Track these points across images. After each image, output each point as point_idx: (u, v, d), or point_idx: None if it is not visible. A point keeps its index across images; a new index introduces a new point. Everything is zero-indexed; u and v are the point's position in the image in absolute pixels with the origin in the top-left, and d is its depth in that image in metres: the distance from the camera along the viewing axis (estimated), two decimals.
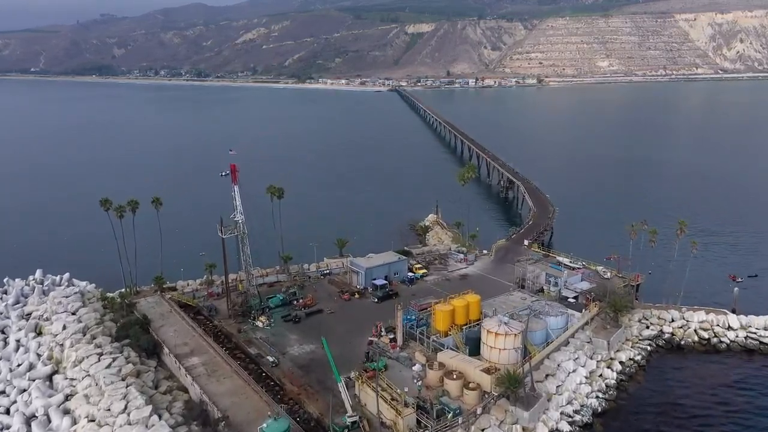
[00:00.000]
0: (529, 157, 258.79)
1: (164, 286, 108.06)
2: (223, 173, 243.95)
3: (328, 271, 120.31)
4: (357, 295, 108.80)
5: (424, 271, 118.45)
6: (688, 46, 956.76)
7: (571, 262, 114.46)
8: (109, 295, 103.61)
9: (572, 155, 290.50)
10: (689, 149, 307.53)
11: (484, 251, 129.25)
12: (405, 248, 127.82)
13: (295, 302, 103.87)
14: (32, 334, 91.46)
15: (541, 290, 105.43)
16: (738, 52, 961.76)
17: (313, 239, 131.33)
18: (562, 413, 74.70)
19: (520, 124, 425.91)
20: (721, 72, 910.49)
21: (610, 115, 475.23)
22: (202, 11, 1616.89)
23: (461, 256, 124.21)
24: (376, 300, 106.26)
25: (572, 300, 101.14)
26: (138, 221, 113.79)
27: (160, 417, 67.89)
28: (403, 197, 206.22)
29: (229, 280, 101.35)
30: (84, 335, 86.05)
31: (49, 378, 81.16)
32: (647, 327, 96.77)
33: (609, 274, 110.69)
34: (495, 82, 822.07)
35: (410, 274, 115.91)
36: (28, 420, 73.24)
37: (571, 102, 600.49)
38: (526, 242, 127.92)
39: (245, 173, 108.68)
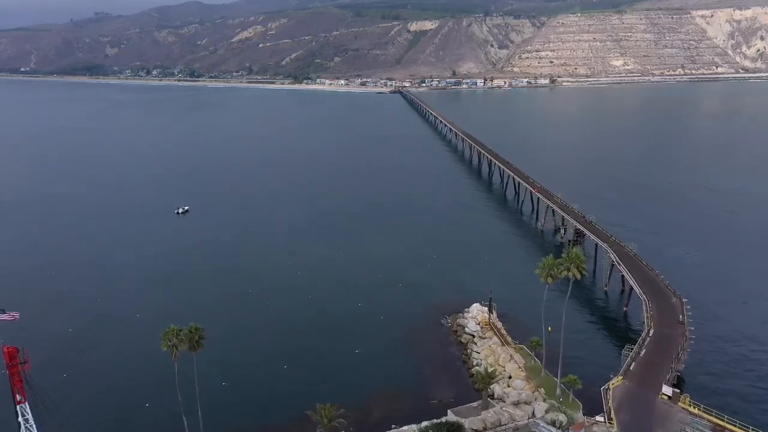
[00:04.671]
0: (591, 194, 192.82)
1: None
2: (180, 209, 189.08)
3: None
4: None
5: None
6: (706, 44, 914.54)
7: None
8: None
9: (662, 190, 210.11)
10: None
11: (597, 417, 71.78)
12: (451, 415, 73.03)
13: None
14: None
15: None
16: (759, 50, 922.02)
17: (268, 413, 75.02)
18: None
19: (556, 138, 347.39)
20: (742, 71, 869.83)
21: (661, 124, 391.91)
22: (198, 9, 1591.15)
23: None
24: None
25: None
26: None
27: None
28: (423, 256, 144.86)
29: None
30: None
31: None
32: None
33: None
34: (505, 82, 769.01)
35: None
36: None
37: (599, 106, 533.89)
38: (667, 390, 72.81)
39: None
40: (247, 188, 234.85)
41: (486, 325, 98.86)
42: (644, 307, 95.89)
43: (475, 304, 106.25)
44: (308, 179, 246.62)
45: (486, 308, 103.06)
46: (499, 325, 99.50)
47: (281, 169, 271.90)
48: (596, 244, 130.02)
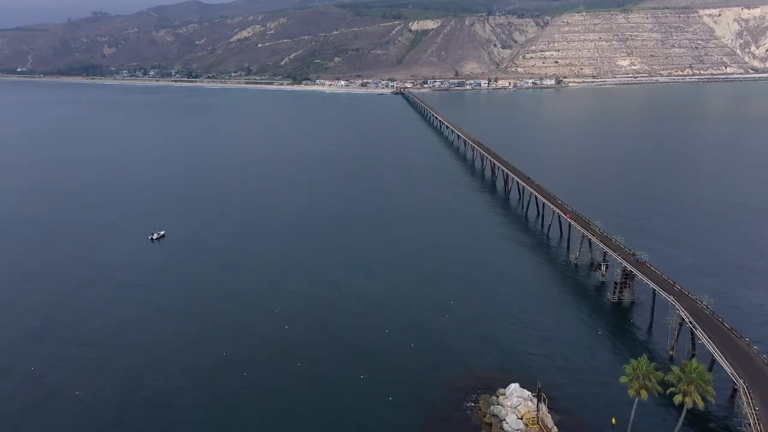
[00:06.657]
0: (622, 211, 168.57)
1: None
2: (155, 235, 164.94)
3: None
4: None
5: None
6: (714, 44, 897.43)
7: None
8: None
9: (712, 208, 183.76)
10: None
11: None
12: None
13: None
14: None
15: None
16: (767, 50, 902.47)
17: None
18: None
19: (573, 144, 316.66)
20: (751, 71, 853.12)
21: (689, 129, 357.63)
22: (197, 9, 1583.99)
23: None
24: None
25: None
26: None
27: None
28: (437, 301, 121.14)
29: None
30: None
31: None
32: None
33: None
34: (509, 83, 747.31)
35: None
36: None
37: (612, 108, 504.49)
38: None
39: None
40: (237, 201, 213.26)
41: (533, 423, 74.49)
42: (743, 396, 71.66)
43: (513, 385, 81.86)
44: (305, 187, 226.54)
45: (530, 395, 79.31)
46: (551, 424, 74.96)
47: (274, 177, 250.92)
48: (654, 292, 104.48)
